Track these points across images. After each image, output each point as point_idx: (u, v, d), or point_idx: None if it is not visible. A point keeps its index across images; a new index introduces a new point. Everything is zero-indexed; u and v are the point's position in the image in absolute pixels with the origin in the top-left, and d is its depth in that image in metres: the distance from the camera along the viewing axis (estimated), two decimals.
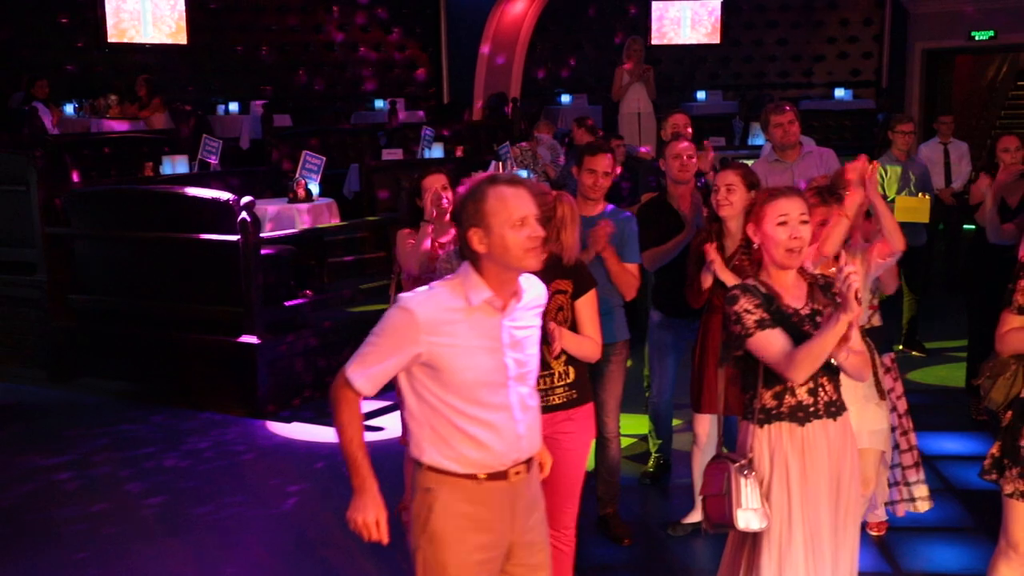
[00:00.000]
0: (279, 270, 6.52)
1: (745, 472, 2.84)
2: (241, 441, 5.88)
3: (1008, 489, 3.00)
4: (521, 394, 2.55)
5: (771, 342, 2.79)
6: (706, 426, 4.37)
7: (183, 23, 12.01)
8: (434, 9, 13.66)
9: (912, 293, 7.13)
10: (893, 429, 4.24)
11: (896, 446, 4.30)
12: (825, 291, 2.90)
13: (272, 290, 6.37)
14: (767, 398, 2.88)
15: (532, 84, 13.57)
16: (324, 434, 5.84)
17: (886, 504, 4.36)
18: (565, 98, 13.26)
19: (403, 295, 2.50)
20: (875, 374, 3.87)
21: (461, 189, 2.50)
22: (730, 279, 3.90)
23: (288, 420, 6.17)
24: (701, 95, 13.34)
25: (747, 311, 2.82)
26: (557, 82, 13.66)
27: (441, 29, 13.64)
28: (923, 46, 13.44)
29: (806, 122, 11.56)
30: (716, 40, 13.65)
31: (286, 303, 6.54)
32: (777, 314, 2.83)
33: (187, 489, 5.13)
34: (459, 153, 10.40)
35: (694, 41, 13.65)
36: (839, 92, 13.03)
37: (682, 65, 13.85)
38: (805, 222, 2.85)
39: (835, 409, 2.92)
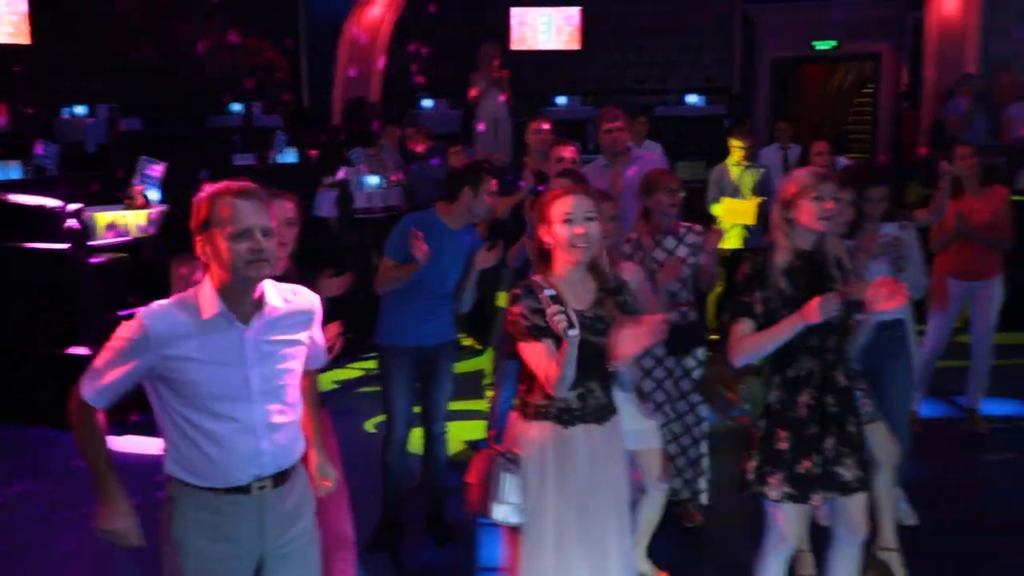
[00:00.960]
0: (111, 279, 6.35)
1: (508, 466, 2.90)
2: (72, 455, 5.68)
3: (775, 495, 3.13)
4: (268, 410, 2.49)
5: (536, 353, 2.88)
6: None
7: (25, 24, 11.52)
8: (291, 12, 13.49)
9: None
10: (691, 426, 4.47)
11: (693, 440, 4.51)
12: (615, 295, 2.96)
13: (103, 300, 6.19)
14: (540, 396, 2.94)
15: (393, 88, 13.55)
16: (159, 447, 5.70)
17: (693, 495, 4.56)
18: (427, 103, 13.28)
19: (143, 308, 2.46)
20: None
21: (199, 196, 2.47)
22: None
23: (120, 434, 6.00)
24: (561, 100, 13.56)
25: (524, 315, 2.89)
26: (419, 87, 13.67)
27: (299, 32, 13.48)
28: (770, 55, 14.00)
29: (661, 127, 11.95)
30: (576, 46, 13.90)
31: (119, 312, 6.36)
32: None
33: (9, 506, 4.94)
34: (314, 158, 10.30)
35: (554, 47, 13.87)
36: (691, 98, 13.45)
37: (542, 71, 14.04)
38: (591, 219, 2.91)
39: (604, 414, 2.98)
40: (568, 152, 5.02)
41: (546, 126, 6.37)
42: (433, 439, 4.51)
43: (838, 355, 3.15)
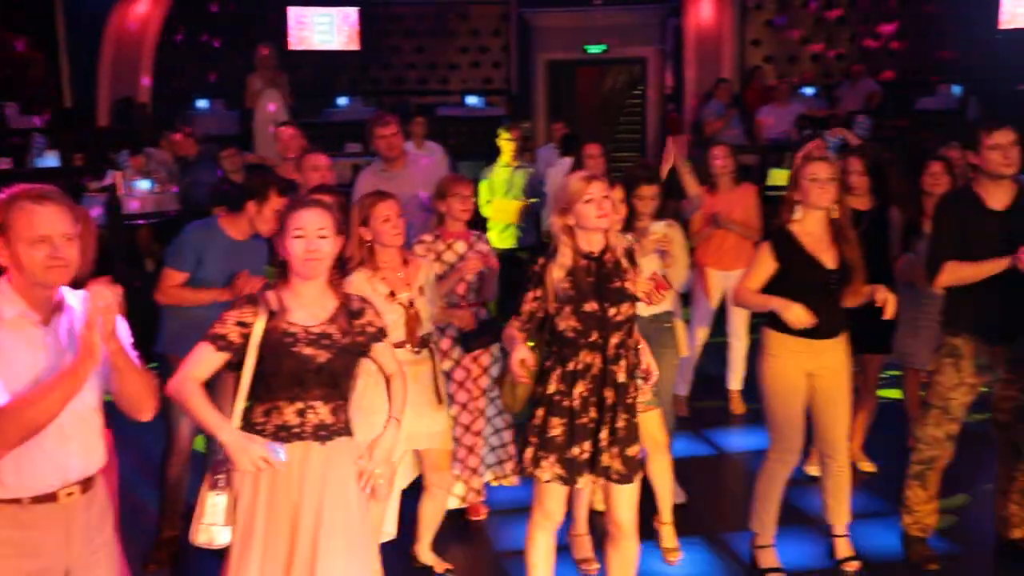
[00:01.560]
0: None
1: (216, 485, 2.82)
2: None
3: (547, 476, 3.32)
4: (75, 411, 2.44)
5: (199, 357, 2.83)
6: None
7: None
8: (48, 7, 12.65)
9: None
10: (492, 416, 4.59)
11: (498, 429, 4.64)
12: (354, 315, 2.94)
13: None
14: (258, 412, 2.86)
15: (165, 88, 12.99)
16: None
17: (480, 494, 4.68)
18: (202, 103, 12.84)
19: None
20: (435, 380, 4.01)
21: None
22: None
23: None
24: (342, 101, 13.47)
25: (224, 322, 2.84)
26: (194, 87, 13.19)
27: (58, 28, 12.66)
28: (545, 57, 14.48)
29: (442, 128, 12.07)
30: (356, 47, 13.84)
31: None
32: (270, 332, 2.81)
33: None
34: (79, 162, 9.74)
35: (334, 47, 13.75)
36: (472, 99, 13.69)
37: (322, 71, 13.89)
38: (323, 236, 2.85)
39: (326, 433, 2.87)
40: (322, 160, 4.99)
41: (290, 131, 6.32)
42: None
43: (620, 351, 3.32)
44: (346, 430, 2.95)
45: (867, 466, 5.19)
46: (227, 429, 2.80)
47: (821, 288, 3.85)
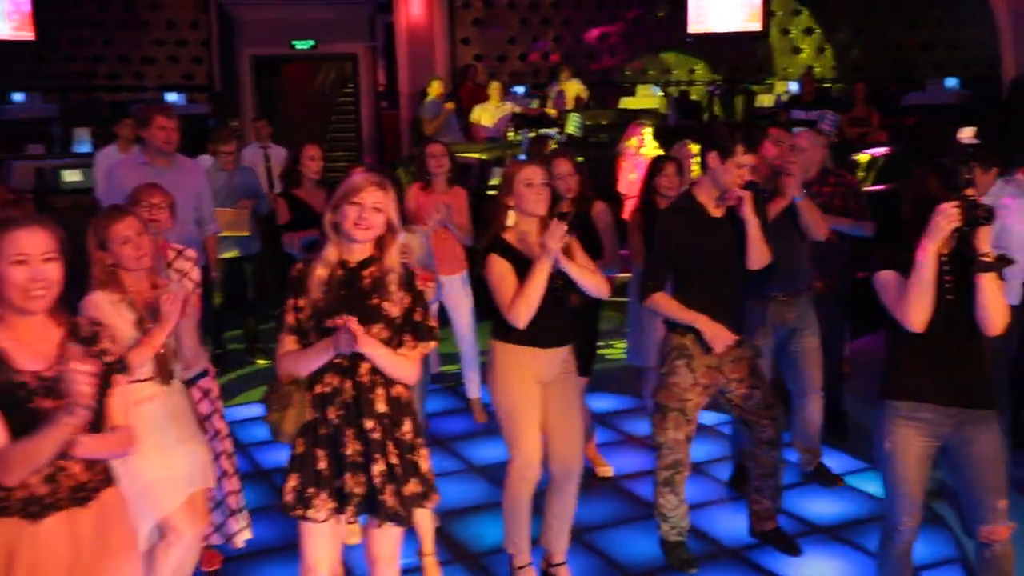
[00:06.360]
0: None
1: None
2: None
3: (322, 516, 2.93)
4: None
5: None
6: None
7: None
8: None
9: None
10: (218, 455, 4.05)
11: (223, 472, 4.11)
12: (89, 343, 2.42)
13: None
14: None
15: None
16: None
17: (226, 539, 4.15)
18: None
19: None
20: (193, 408, 3.63)
21: None
22: None
23: None
24: (18, 97, 12.00)
25: None
26: None
27: None
28: (251, 52, 13.72)
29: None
30: (30, 36, 12.36)
31: None
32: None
33: None
34: None
35: (3, 36, 12.19)
36: (171, 96, 12.69)
37: None
38: (50, 260, 2.35)
39: (85, 494, 2.41)
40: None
41: None
42: None
43: (373, 377, 2.96)
44: (106, 480, 2.45)
45: (605, 470, 5.10)
46: None
47: (549, 295, 3.66)
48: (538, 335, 3.67)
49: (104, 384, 2.40)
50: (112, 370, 2.47)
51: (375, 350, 2.85)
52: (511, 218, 3.70)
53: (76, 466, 2.38)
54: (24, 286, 2.30)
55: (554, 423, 3.79)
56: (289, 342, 2.94)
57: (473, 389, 6.13)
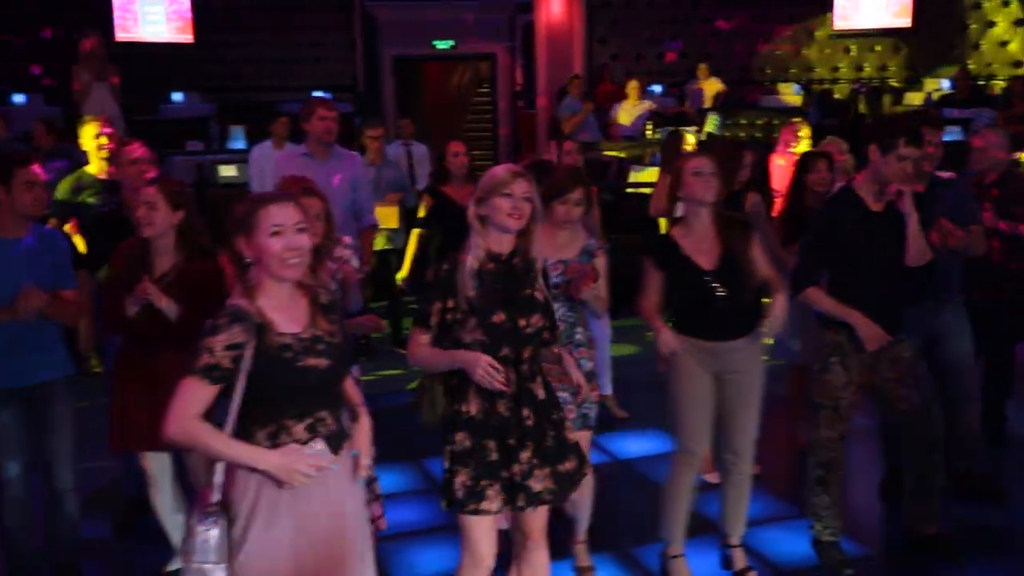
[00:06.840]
0: None
1: (205, 520, 2.48)
2: None
3: (496, 507, 2.98)
4: None
5: (193, 393, 2.47)
6: (155, 462, 3.94)
7: None
8: None
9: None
10: None
11: None
12: (327, 311, 2.64)
13: None
14: (260, 438, 2.53)
15: None
16: None
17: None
18: (18, 98, 11.76)
19: None
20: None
21: None
22: (166, 303, 3.59)
23: None
24: (177, 97, 12.64)
25: (212, 350, 2.46)
26: (6, 80, 12.08)
27: None
28: (392, 52, 14.07)
29: (294, 125, 11.48)
30: (189, 39, 13.00)
31: None
32: (264, 351, 2.49)
33: None
34: None
35: (164, 39, 12.86)
36: (317, 95, 13.12)
37: (154, 64, 12.98)
38: (302, 230, 2.56)
39: (338, 442, 2.63)
40: (138, 151, 4.54)
41: (108, 130, 5.80)
42: (56, 498, 3.85)
43: (533, 366, 3.04)
44: (347, 434, 2.71)
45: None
46: (263, 454, 2.50)
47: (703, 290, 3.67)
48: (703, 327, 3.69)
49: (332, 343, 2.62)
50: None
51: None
52: (678, 209, 3.73)
53: (330, 417, 2.62)
54: (280, 255, 2.50)
55: (727, 414, 3.81)
56: (423, 338, 3.01)
57: (606, 385, 6.12)
